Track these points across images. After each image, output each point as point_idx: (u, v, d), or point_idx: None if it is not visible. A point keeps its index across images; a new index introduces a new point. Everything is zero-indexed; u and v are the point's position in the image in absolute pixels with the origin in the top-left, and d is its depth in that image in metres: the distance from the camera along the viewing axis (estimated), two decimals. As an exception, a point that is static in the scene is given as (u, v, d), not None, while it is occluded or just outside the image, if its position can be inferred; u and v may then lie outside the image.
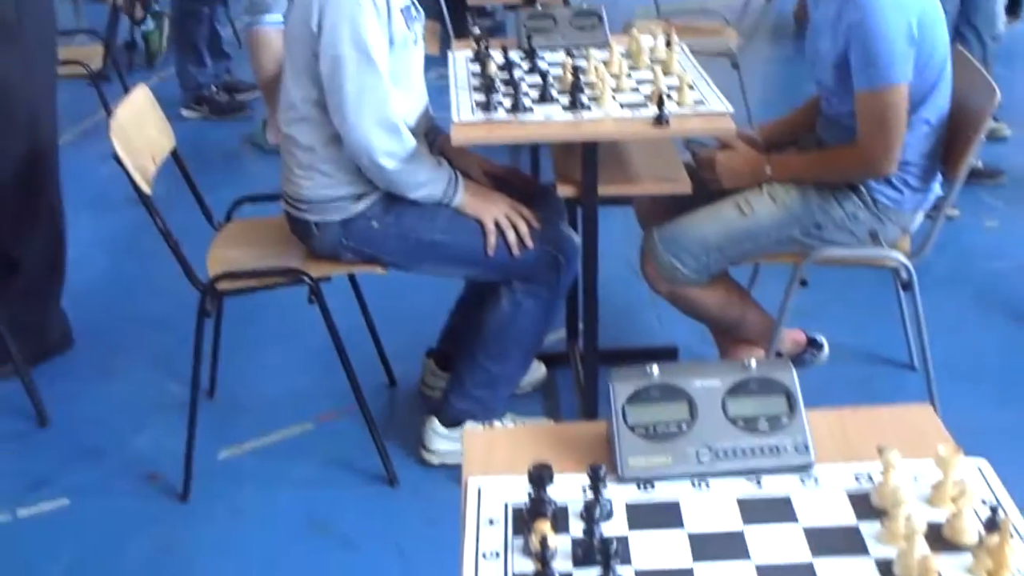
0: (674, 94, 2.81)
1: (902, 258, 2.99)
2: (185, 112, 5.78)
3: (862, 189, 2.98)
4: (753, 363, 1.47)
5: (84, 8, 7.20)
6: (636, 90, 2.90)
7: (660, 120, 2.66)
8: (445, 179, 2.87)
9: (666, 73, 2.98)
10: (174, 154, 3.15)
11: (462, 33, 5.06)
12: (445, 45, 4.45)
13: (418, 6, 2.96)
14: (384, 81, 2.75)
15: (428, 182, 2.85)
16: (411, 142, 2.81)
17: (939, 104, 2.95)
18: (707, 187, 3.05)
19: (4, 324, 3.32)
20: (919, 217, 3.08)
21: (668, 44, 3.09)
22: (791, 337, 3.32)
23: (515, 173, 3.22)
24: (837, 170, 2.99)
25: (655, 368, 1.46)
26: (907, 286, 3.02)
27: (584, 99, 2.78)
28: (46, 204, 3.59)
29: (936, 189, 3.07)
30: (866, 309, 3.79)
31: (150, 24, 6.75)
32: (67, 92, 5.59)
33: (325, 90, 2.77)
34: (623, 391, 1.44)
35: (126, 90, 4.95)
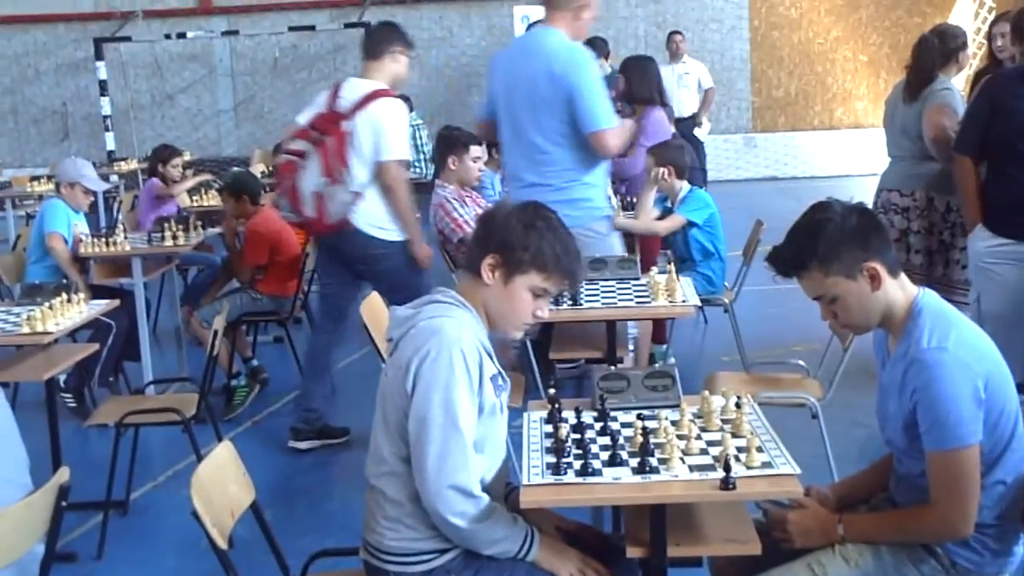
0: (743, 456, 2.85)
1: (987, 627, 2.90)
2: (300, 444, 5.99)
3: (939, 551, 2.93)
4: None
5: (187, 355, 7.51)
6: (705, 451, 2.94)
7: (726, 484, 2.69)
8: (521, 536, 2.91)
9: (736, 434, 3.03)
10: (254, 507, 3.23)
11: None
12: (529, 397, 4.56)
13: (505, 376, 3.08)
14: (467, 449, 2.85)
15: (503, 539, 2.90)
16: (484, 503, 2.87)
17: (1014, 463, 2.93)
18: (779, 546, 3.03)
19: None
20: (1005, 579, 3.01)
21: (738, 405, 3.15)
22: None
23: (587, 530, 3.24)
24: (911, 531, 2.95)
25: None
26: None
27: (653, 461, 2.83)
28: None
29: (1021, 551, 3.01)
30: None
31: (242, 380, 6.99)
32: (162, 437, 5.84)
33: (410, 448, 2.88)
34: None
35: (218, 436, 5.15)
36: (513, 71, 5.55)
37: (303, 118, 5.90)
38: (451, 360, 2.84)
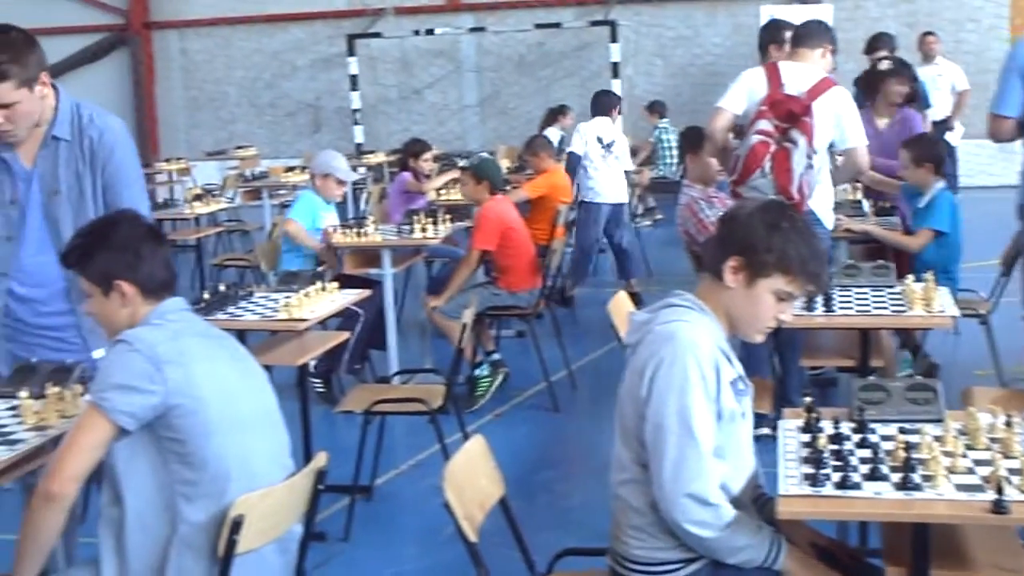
0: (1015, 479, 2.70)
1: None
2: None
3: None
4: None
5: (431, 345, 7.65)
6: (972, 471, 2.80)
7: (998, 508, 2.55)
8: (766, 545, 2.84)
9: (1006, 455, 2.87)
10: (503, 502, 3.25)
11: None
12: (778, 405, 4.46)
13: (747, 380, 3.01)
14: (704, 456, 2.79)
15: (746, 547, 2.83)
16: (727, 512, 2.81)
17: None
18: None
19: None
20: None
21: (1008, 423, 2.99)
22: None
23: (841, 547, 3.14)
24: None
25: None
26: None
27: (916, 478, 2.71)
28: None
29: None
30: None
31: (484, 370, 7.00)
32: (405, 425, 5.97)
33: (648, 454, 2.85)
34: None
35: (462, 428, 5.23)
36: None
37: (738, 106, 5.92)
38: (686, 366, 2.80)
